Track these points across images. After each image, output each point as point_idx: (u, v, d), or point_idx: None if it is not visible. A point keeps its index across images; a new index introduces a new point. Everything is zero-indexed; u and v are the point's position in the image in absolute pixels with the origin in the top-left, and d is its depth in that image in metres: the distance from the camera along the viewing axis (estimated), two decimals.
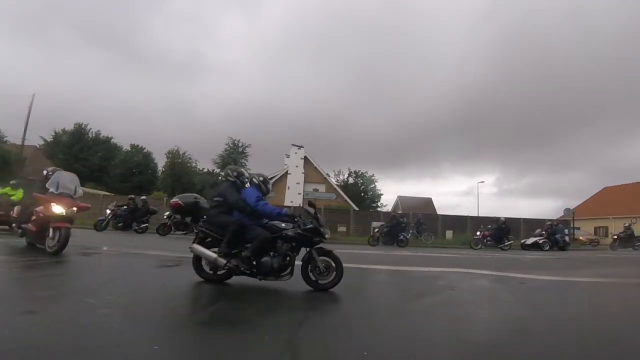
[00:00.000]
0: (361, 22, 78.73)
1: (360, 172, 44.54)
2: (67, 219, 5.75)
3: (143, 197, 16.23)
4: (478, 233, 17.58)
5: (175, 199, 4.87)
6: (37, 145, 36.31)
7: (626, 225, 19.39)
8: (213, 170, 36.65)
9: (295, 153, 29.62)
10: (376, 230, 16.83)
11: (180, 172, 36.44)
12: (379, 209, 39.77)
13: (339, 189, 31.76)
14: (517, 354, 2.55)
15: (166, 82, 70.97)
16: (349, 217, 22.70)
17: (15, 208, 7.56)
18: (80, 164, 38.06)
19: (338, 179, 43.08)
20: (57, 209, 5.63)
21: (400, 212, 22.10)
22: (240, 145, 35.59)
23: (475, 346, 2.67)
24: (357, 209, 27.77)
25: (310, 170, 29.88)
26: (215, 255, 4.15)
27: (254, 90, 73.22)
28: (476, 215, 26.46)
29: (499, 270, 7.25)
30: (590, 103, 64.71)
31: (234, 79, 77.34)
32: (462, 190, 74.37)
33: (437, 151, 68.52)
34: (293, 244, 4.31)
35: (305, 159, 29.76)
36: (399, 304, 4.17)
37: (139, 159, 41.48)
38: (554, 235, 17.16)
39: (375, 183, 44.66)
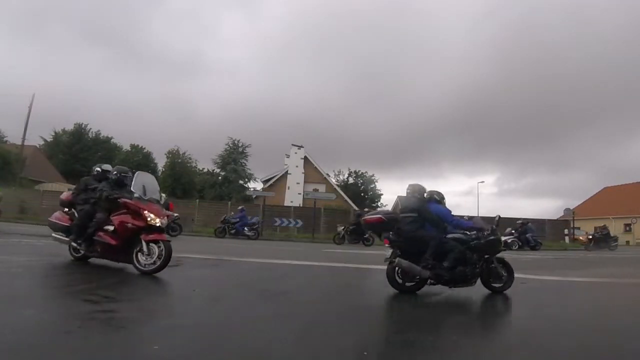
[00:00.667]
0: (361, 22, 78.58)
1: (360, 172, 44.47)
2: (162, 231, 4.93)
3: None
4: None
5: (376, 215, 4.79)
6: (37, 145, 36.26)
7: (602, 225, 19.49)
8: (213, 170, 36.56)
9: (295, 153, 29.60)
10: (342, 228, 16.20)
11: (180, 172, 36.41)
12: (379, 209, 39.71)
13: (339, 189, 31.72)
14: (517, 354, 2.56)
15: (166, 82, 70.59)
16: (349, 218, 22.65)
17: (57, 213, 5.70)
18: (80, 164, 37.98)
19: (338, 179, 43.00)
20: (154, 218, 4.79)
21: (366, 209, 21.12)
22: (240, 145, 35.50)
23: (476, 346, 2.67)
24: (357, 209, 27.78)
25: (310, 170, 29.86)
26: (419, 268, 4.39)
27: (254, 90, 72.90)
28: (476, 215, 26.47)
29: None
30: (590, 103, 64.59)
31: (234, 79, 77.03)
32: (462, 190, 74.23)
33: (437, 151, 68.35)
34: (480, 253, 4.66)
35: (305, 159, 29.74)
36: (399, 304, 4.18)
37: (139, 159, 41.37)
38: (524, 234, 16.92)
39: (375, 183, 44.57)
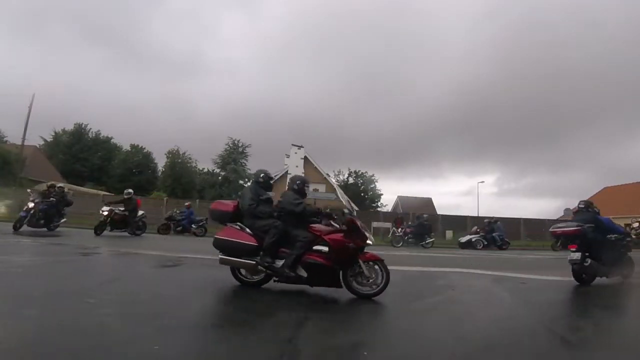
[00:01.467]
0: (361, 22, 78.79)
1: (360, 172, 44.51)
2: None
3: (60, 185, 12.94)
4: (400, 230, 17.04)
5: (573, 227, 5.73)
6: (37, 145, 36.19)
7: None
8: (213, 170, 36.65)
9: (295, 153, 29.57)
10: None
11: (180, 172, 36.45)
12: (379, 209, 39.75)
13: (339, 189, 31.75)
14: (517, 354, 2.56)
15: (166, 82, 70.68)
16: None
17: (230, 230, 4.41)
18: (80, 164, 38.02)
19: (338, 179, 43.06)
20: (370, 237, 4.42)
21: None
22: (240, 145, 35.61)
23: (476, 346, 2.67)
24: (357, 209, 27.78)
25: (310, 170, 29.85)
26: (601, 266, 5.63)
27: (254, 90, 73.04)
28: (476, 215, 26.48)
29: (498, 270, 7.25)
30: (590, 103, 64.69)
31: (234, 79, 77.18)
32: (462, 190, 74.35)
33: (437, 151, 68.32)
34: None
35: (305, 159, 29.72)
36: (399, 304, 4.17)
37: (139, 159, 41.38)
38: (491, 233, 16.48)
39: (375, 183, 44.58)
